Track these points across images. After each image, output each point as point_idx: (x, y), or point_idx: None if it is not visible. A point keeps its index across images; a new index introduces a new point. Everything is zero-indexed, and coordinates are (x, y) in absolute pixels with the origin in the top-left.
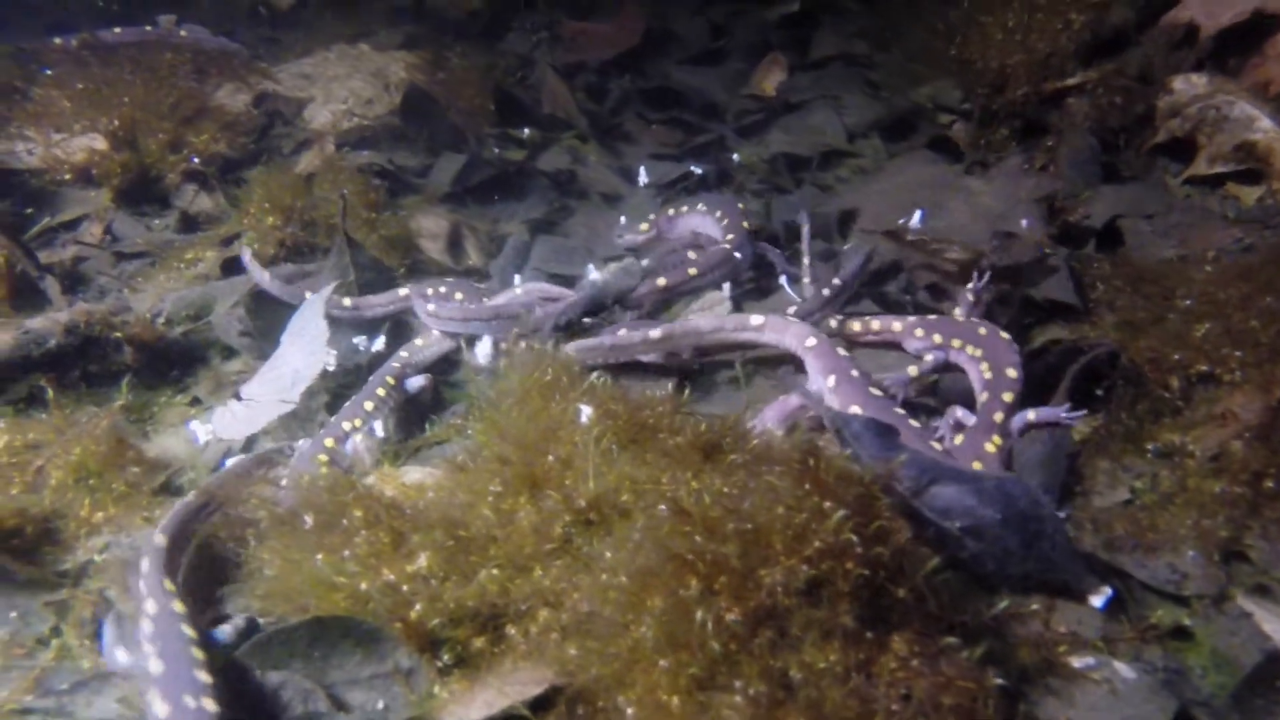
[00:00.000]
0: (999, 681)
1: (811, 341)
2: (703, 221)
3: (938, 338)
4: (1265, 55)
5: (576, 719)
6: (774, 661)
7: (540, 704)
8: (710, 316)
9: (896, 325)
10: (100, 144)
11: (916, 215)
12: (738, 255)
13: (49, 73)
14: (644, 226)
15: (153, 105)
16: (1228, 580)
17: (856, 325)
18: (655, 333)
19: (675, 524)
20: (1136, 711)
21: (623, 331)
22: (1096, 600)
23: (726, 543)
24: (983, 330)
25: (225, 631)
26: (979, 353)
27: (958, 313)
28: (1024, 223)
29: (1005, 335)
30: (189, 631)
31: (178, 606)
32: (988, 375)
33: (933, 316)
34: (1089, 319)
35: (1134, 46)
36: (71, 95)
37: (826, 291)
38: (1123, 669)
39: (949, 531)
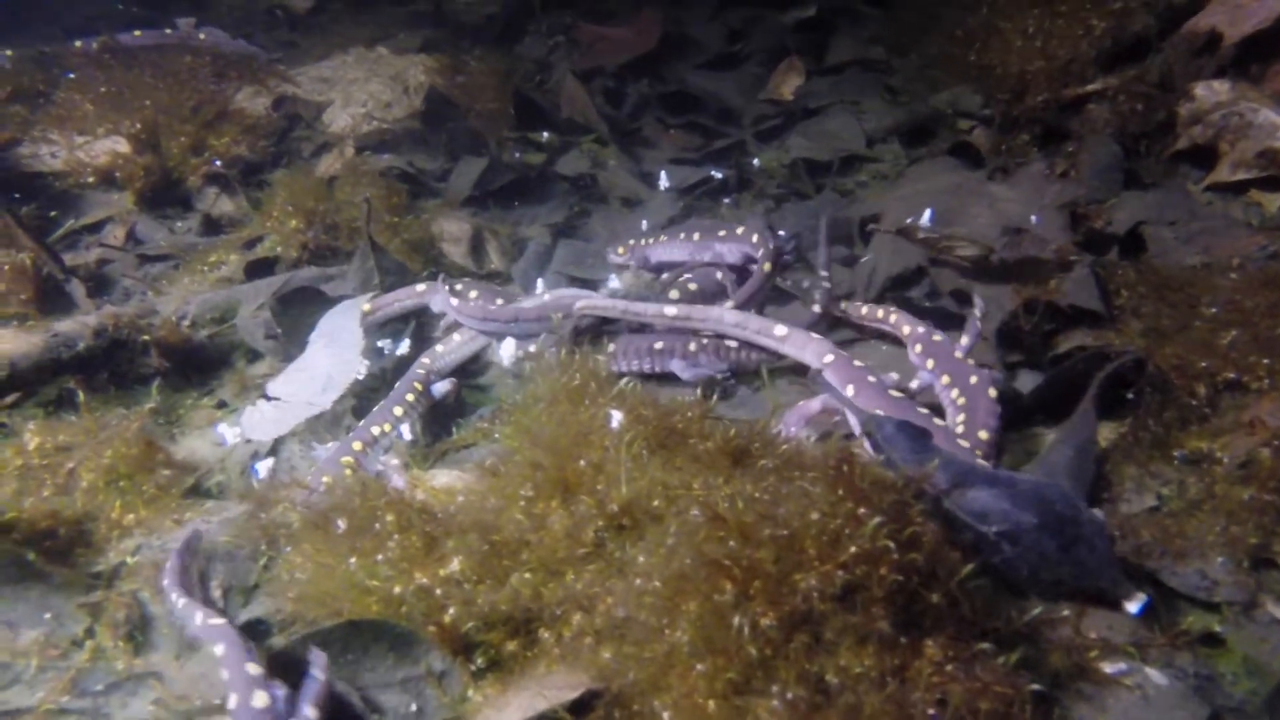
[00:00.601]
0: (1035, 687)
1: (829, 358)
2: (686, 249)
3: (931, 363)
4: None
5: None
6: (810, 666)
7: (576, 708)
8: (736, 312)
9: (905, 329)
10: (123, 147)
11: (926, 214)
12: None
13: (71, 76)
14: (621, 250)
15: (174, 108)
16: (1258, 587)
17: (864, 310)
18: (671, 310)
19: (710, 529)
20: (1168, 717)
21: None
22: (1132, 606)
23: (761, 548)
24: (974, 379)
25: None
26: (962, 400)
27: (964, 341)
28: (1034, 219)
29: (993, 394)
30: None
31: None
32: (960, 429)
33: (939, 337)
34: (1114, 326)
35: (1155, 53)
36: (94, 99)
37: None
38: (1154, 675)
39: (985, 535)
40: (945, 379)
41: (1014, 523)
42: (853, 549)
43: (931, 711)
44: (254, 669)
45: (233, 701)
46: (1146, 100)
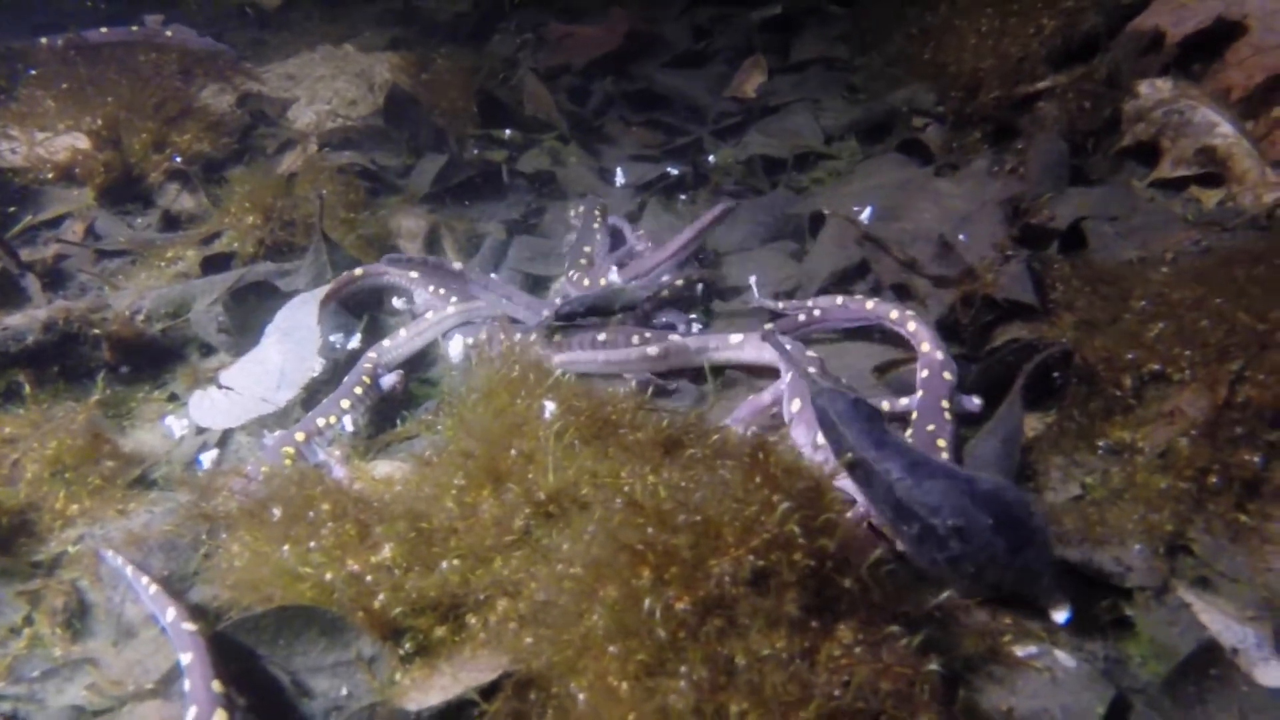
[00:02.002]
0: (934, 667)
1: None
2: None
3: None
4: (1227, 62)
5: (529, 705)
6: (721, 648)
7: (495, 689)
8: (696, 336)
9: (925, 345)
10: (84, 143)
11: (867, 210)
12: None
13: (33, 72)
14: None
15: (137, 105)
16: (1171, 572)
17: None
18: (652, 350)
19: (628, 516)
20: (1075, 699)
21: (619, 350)
22: (1059, 616)
23: (678, 534)
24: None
25: None
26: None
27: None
28: (961, 238)
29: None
30: None
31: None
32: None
33: (949, 376)
34: (1047, 319)
35: (1104, 52)
36: (56, 95)
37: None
38: (1063, 658)
39: (934, 528)
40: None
41: (969, 520)
42: (765, 535)
43: (836, 692)
44: (218, 686)
45: (191, 715)
46: (1094, 98)
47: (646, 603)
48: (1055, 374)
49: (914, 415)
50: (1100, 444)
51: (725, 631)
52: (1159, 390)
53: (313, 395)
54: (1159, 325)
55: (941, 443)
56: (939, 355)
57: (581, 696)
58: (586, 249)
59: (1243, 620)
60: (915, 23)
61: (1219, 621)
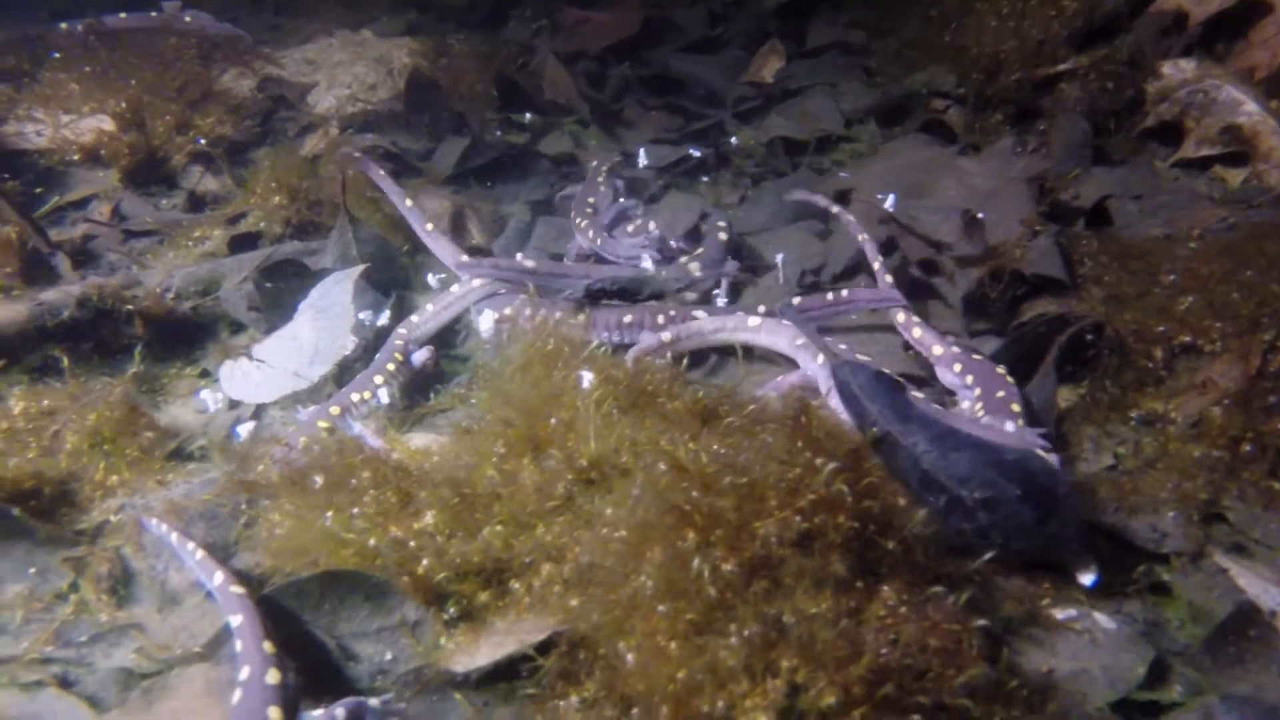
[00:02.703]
0: (982, 623)
1: (800, 341)
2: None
3: (970, 379)
4: (1251, 41)
5: (579, 664)
6: (768, 608)
7: (544, 650)
8: (712, 318)
9: (937, 349)
10: (108, 125)
11: (890, 198)
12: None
13: (56, 56)
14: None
15: (159, 88)
16: (1206, 539)
17: (901, 316)
18: (667, 335)
19: (674, 479)
20: (1114, 660)
21: (643, 339)
22: (1086, 579)
23: (723, 497)
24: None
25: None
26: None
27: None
28: (983, 215)
29: (1017, 410)
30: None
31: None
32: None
33: (977, 357)
34: (1076, 293)
35: (1125, 33)
36: (79, 78)
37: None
38: (1103, 620)
39: (961, 499)
40: (978, 391)
41: (996, 490)
42: (811, 496)
43: (884, 650)
44: (269, 647)
45: (244, 674)
46: (1116, 79)
47: (695, 563)
48: (1088, 347)
49: (978, 390)
50: (1133, 415)
51: (771, 592)
52: (1190, 362)
53: (344, 372)
54: (1189, 299)
55: (1016, 407)
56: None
57: (630, 656)
58: (591, 200)
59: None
60: (933, 6)
61: (1256, 585)
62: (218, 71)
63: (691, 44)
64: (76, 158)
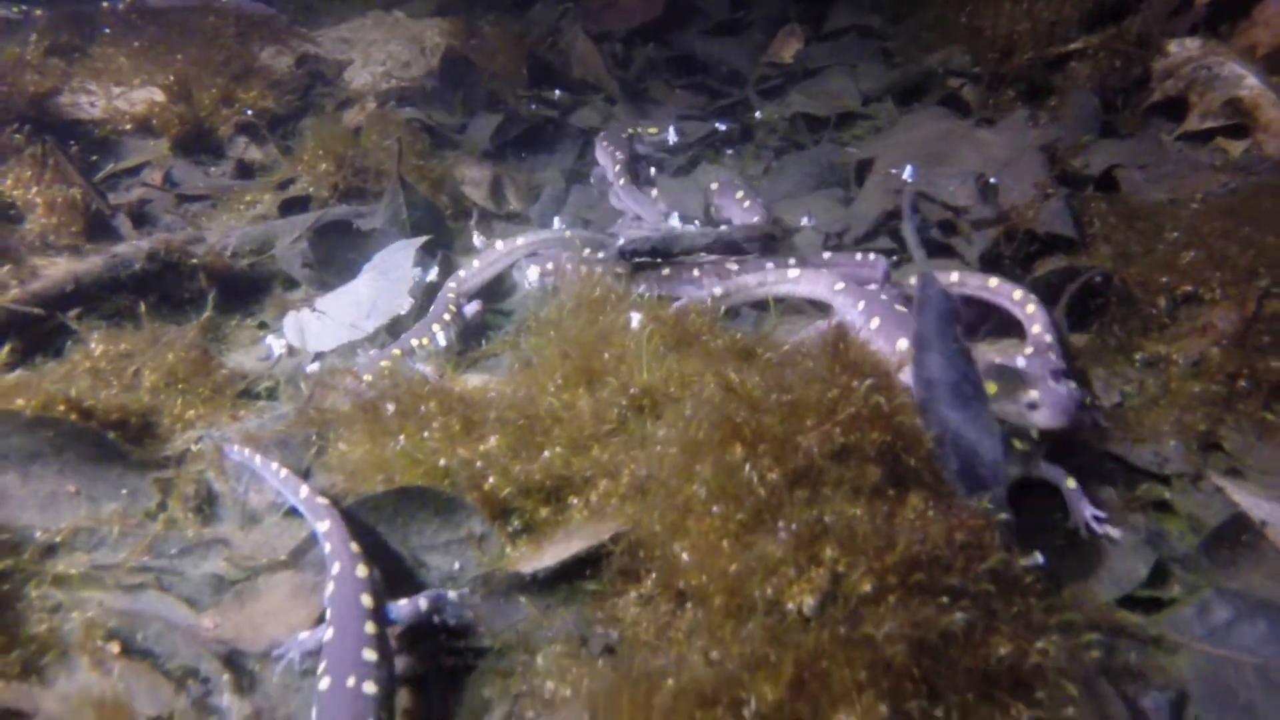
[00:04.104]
0: (1004, 517)
1: (839, 285)
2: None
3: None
4: (1254, 20)
5: (638, 562)
6: (810, 511)
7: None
8: (756, 272)
9: (1036, 328)
10: (159, 96)
11: (908, 169)
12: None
13: (107, 32)
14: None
15: (203, 63)
16: (1204, 464)
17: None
18: (718, 290)
19: (723, 398)
20: (1120, 563)
21: (696, 280)
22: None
23: (768, 414)
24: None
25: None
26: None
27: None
28: (994, 180)
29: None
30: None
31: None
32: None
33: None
34: (1086, 250)
35: (1134, 14)
36: (128, 53)
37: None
38: (1111, 530)
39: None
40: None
41: (945, 451)
42: (849, 411)
43: (916, 547)
44: (355, 547)
45: (336, 569)
46: (1125, 57)
47: (745, 469)
48: (1098, 296)
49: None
50: (1138, 357)
51: (812, 499)
52: (1191, 309)
53: (394, 326)
54: (1190, 253)
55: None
56: (1047, 338)
57: (685, 555)
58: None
59: (1271, 499)
60: None
61: (1249, 500)
62: (256, 49)
63: (714, 26)
64: (128, 127)
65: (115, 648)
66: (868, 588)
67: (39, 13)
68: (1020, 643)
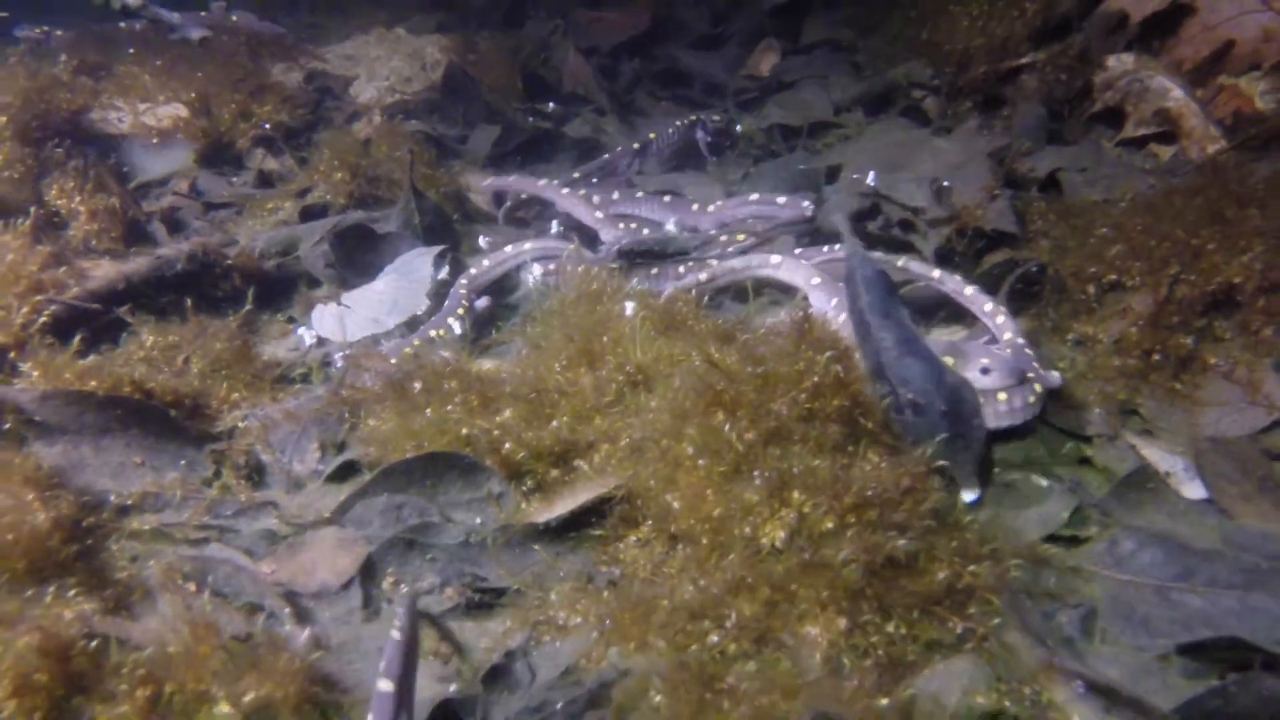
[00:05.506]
0: (941, 463)
1: (816, 280)
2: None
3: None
4: (1180, 38)
5: (636, 509)
6: (781, 464)
7: (607, 504)
8: (741, 257)
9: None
10: (183, 111)
11: (870, 175)
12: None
13: (131, 51)
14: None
15: (222, 79)
16: (1121, 426)
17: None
18: (703, 275)
19: (706, 371)
20: (1046, 508)
21: (682, 277)
22: (968, 495)
23: (745, 384)
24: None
25: None
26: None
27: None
28: (946, 184)
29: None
30: None
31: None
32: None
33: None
34: (1028, 245)
35: (1077, 31)
36: (150, 71)
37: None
38: (1038, 479)
39: (898, 396)
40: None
41: (928, 401)
42: (813, 379)
43: (869, 491)
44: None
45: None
46: (1069, 71)
47: (726, 429)
48: (1036, 284)
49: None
50: (1069, 337)
51: (783, 454)
52: (1115, 296)
53: (413, 324)
54: (1117, 246)
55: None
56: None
57: (676, 504)
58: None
59: (1174, 454)
60: (913, 7)
61: (1156, 454)
62: (268, 65)
63: (696, 41)
64: (155, 141)
65: (192, 586)
66: (829, 525)
67: (59, 33)
68: (956, 567)
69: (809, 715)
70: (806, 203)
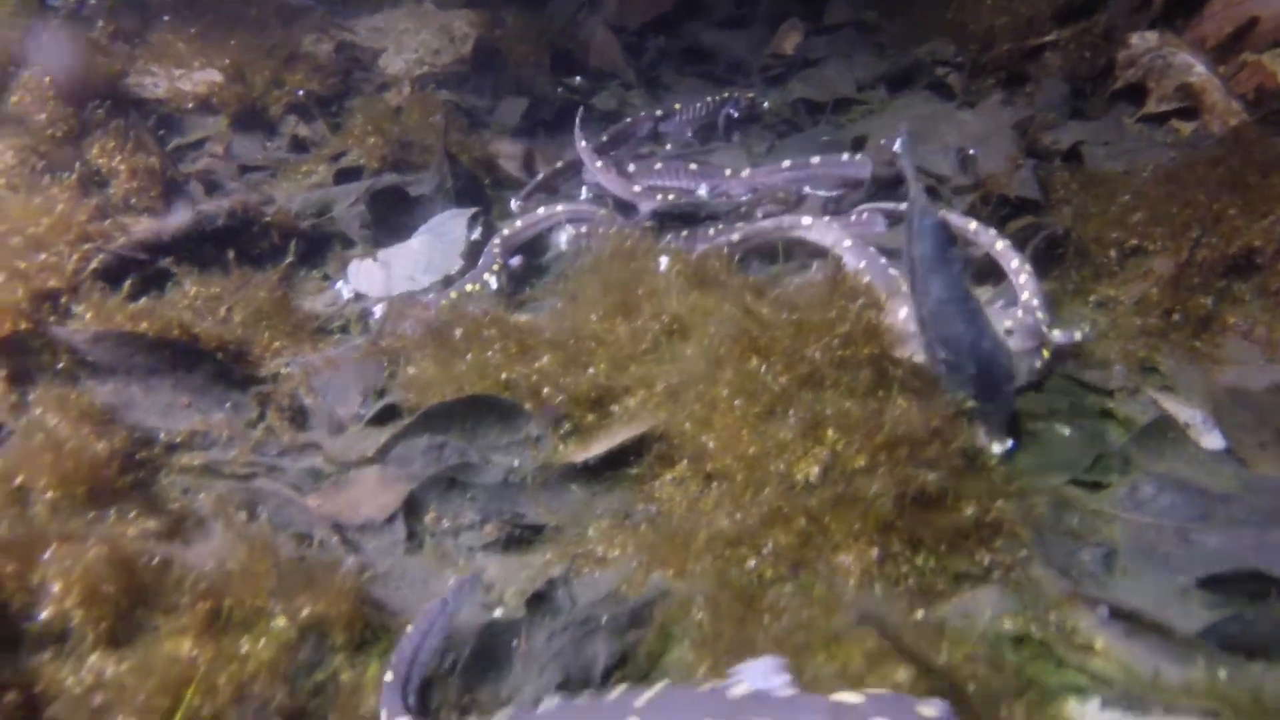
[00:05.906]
0: (970, 404)
1: (847, 242)
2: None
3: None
4: (1203, 16)
5: (673, 448)
6: (815, 406)
7: (644, 445)
8: (773, 219)
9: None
10: (217, 77)
11: (898, 141)
12: None
13: (166, 19)
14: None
15: (255, 48)
16: (1141, 381)
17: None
18: (736, 235)
19: (742, 318)
20: (1069, 453)
21: (713, 239)
22: (997, 448)
23: (779, 330)
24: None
25: None
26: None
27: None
28: (971, 151)
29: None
30: None
31: None
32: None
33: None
34: (1050, 211)
35: (1101, 10)
36: (185, 39)
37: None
38: (1061, 428)
39: (935, 353)
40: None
41: (960, 360)
42: (844, 328)
43: (899, 431)
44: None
45: None
46: (1092, 48)
47: (761, 371)
48: (1059, 248)
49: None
50: (1091, 299)
51: (816, 399)
52: (1137, 260)
53: (448, 282)
54: (1139, 213)
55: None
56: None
57: (711, 443)
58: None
59: (1192, 407)
60: None
61: (1176, 406)
62: (299, 36)
63: (720, 20)
64: (190, 106)
65: (244, 515)
66: (861, 462)
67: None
68: (983, 504)
69: (855, 614)
70: (869, 163)
